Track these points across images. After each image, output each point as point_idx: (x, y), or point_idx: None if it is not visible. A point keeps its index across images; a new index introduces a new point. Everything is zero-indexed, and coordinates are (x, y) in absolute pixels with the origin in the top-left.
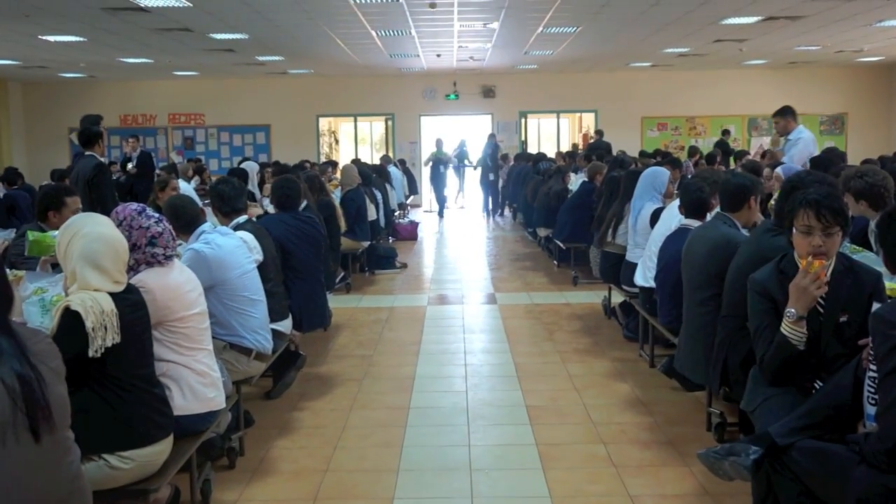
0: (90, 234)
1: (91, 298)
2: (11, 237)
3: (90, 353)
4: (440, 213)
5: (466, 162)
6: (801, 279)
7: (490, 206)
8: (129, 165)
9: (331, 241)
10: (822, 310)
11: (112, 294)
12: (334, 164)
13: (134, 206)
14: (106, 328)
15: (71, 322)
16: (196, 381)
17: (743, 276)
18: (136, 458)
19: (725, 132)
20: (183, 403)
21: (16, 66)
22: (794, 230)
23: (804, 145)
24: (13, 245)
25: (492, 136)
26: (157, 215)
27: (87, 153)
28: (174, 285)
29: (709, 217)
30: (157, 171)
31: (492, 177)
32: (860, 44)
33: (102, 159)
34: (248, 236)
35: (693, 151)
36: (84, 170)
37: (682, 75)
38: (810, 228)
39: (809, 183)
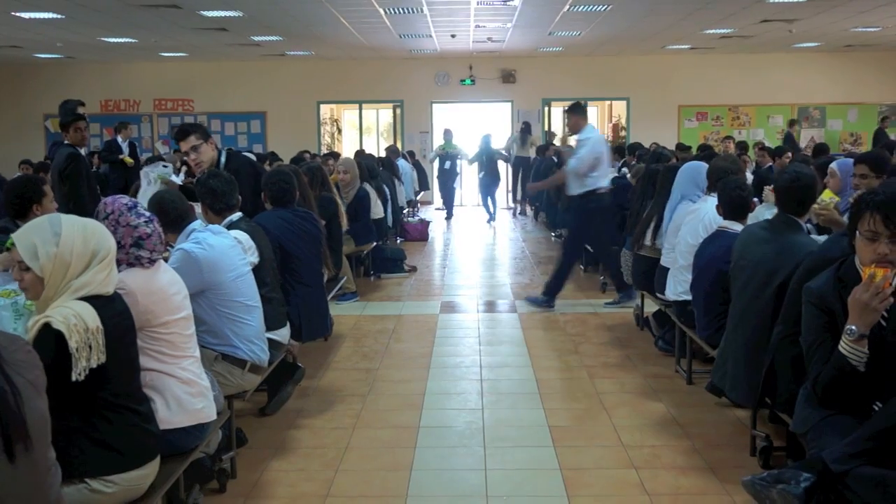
0: (86, 226)
1: (74, 315)
2: None
3: (73, 377)
4: (448, 216)
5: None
6: (862, 293)
7: (492, 209)
8: (124, 155)
9: (333, 242)
10: (884, 323)
11: (95, 300)
12: (336, 156)
13: (125, 199)
14: (90, 347)
15: (52, 342)
16: (182, 391)
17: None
18: (119, 482)
19: (792, 123)
20: (168, 416)
21: None
22: (857, 234)
23: (592, 146)
24: None
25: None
26: (148, 214)
27: (65, 142)
28: (157, 287)
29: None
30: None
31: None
32: None
33: (81, 149)
34: (242, 236)
35: (743, 147)
36: (57, 160)
37: (725, 59)
38: (876, 234)
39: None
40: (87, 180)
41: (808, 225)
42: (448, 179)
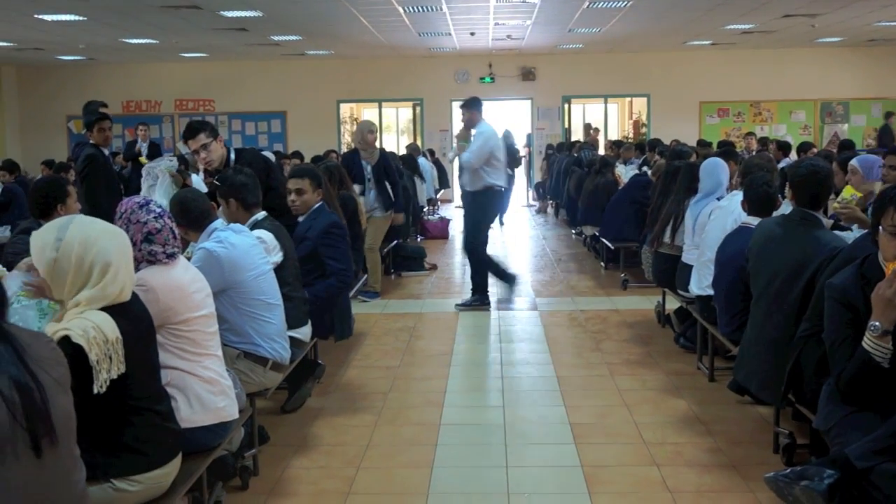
0: (100, 230)
1: (93, 326)
2: (7, 234)
3: (95, 390)
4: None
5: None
6: (885, 289)
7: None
8: (142, 157)
9: (353, 241)
10: None
11: (112, 309)
12: None
13: (138, 198)
14: (111, 359)
15: (71, 356)
16: (204, 390)
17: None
18: (143, 480)
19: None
20: (190, 414)
21: (9, 49)
22: (880, 229)
23: (485, 140)
24: (10, 244)
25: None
26: (159, 209)
27: (89, 142)
28: (178, 284)
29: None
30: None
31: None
32: None
33: (105, 149)
34: (267, 235)
35: (764, 142)
36: (78, 161)
37: (746, 55)
38: None
39: None
40: (106, 181)
41: (829, 220)
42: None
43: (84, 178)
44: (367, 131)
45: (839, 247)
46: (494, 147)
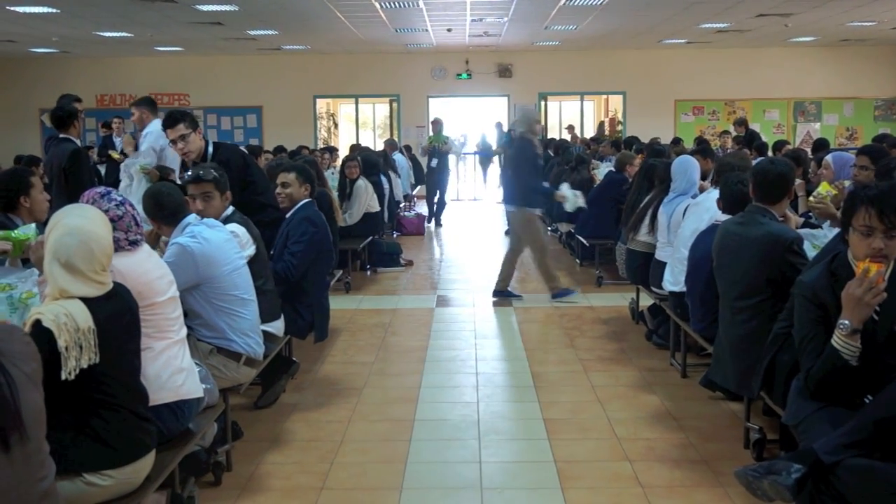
0: (66, 227)
1: (66, 313)
2: None
3: (63, 376)
4: (436, 221)
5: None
6: (855, 287)
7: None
8: (116, 152)
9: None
10: (876, 317)
11: (89, 300)
12: (333, 150)
13: (99, 189)
14: (81, 348)
15: (43, 340)
16: (161, 369)
17: None
18: (114, 475)
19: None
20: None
21: None
22: (851, 229)
23: (153, 139)
24: None
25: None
26: (119, 198)
27: (61, 136)
28: (143, 269)
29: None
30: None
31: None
32: None
33: (78, 143)
34: (240, 229)
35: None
36: (59, 156)
37: (721, 54)
38: (871, 229)
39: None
40: (90, 176)
41: (801, 218)
42: (436, 178)
43: (71, 174)
44: (534, 120)
45: (791, 238)
46: (162, 146)
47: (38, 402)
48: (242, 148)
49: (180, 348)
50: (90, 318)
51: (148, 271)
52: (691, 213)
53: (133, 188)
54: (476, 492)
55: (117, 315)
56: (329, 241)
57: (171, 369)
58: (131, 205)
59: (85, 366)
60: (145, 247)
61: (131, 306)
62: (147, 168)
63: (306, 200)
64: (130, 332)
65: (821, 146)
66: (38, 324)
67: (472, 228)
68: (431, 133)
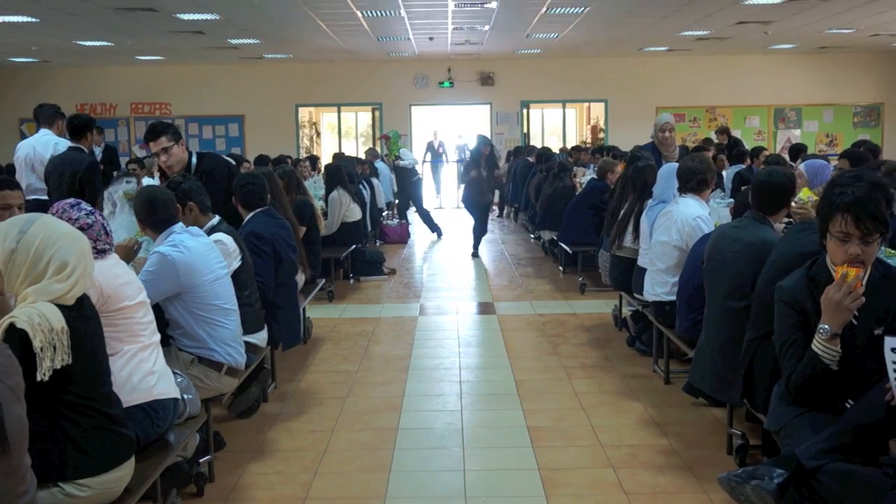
0: (53, 236)
1: (39, 314)
2: None
3: (38, 377)
4: (432, 228)
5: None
6: (834, 292)
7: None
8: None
9: (312, 246)
10: (855, 322)
11: (62, 305)
12: (315, 160)
13: (70, 200)
14: (55, 348)
15: (16, 343)
16: (132, 371)
17: (777, 279)
18: (93, 485)
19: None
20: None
21: None
22: (827, 235)
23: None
24: None
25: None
26: (89, 208)
27: (71, 145)
28: (114, 274)
29: (714, 204)
30: (133, 168)
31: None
32: None
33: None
34: (227, 239)
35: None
36: (74, 164)
37: (702, 61)
38: (847, 236)
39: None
40: (101, 188)
41: (780, 224)
42: (405, 192)
43: (89, 185)
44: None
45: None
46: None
47: (21, 415)
48: (227, 157)
49: (152, 351)
50: (62, 318)
51: (117, 276)
52: (661, 224)
53: (116, 214)
54: (461, 500)
55: (86, 317)
56: (286, 247)
57: (143, 372)
58: (101, 215)
59: (58, 366)
60: (114, 255)
61: (96, 313)
62: (130, 193)
63: (256, 211)
64: (100, 335)
65: (796, 151)
66: (11, 327)
67: (456, 237)
68: (386, 149)
